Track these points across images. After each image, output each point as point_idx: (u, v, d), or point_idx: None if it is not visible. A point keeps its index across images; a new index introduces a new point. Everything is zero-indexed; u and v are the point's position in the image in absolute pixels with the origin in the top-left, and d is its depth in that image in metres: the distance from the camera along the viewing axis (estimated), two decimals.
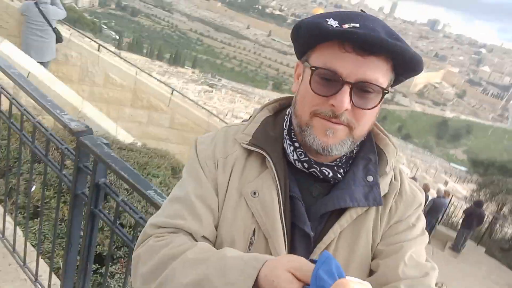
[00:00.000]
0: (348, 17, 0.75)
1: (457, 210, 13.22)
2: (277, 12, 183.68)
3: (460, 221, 10.93)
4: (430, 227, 9.75)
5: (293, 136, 0.87)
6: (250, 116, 0.95)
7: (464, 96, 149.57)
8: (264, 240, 0.81)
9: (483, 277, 9.38)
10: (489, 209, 12.59)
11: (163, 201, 1.44)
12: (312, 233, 0.81)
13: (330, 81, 0.75)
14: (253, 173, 0.85)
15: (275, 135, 0.87)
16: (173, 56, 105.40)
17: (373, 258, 0.83)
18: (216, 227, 0.85)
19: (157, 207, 1.43)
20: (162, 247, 0.76)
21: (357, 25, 0.72)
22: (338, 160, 0.85)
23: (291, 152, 0.86)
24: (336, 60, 0.74)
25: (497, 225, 13.16)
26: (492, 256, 10.73)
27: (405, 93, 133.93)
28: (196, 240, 0.80)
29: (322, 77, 0.76)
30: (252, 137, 0.87)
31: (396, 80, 0.81)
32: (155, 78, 9.28)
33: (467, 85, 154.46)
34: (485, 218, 10.80)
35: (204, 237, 0.82)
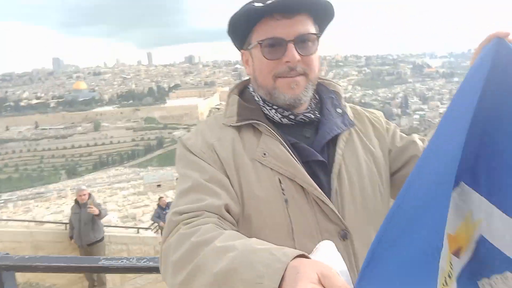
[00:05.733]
0: None
1: None
2: (35, 101, 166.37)
3: None
4: None
5: (268, 103, 1.03)
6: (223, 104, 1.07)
7: None
8: (291, 182, 0.94)
9: None
10: None
11: (122, 261, 1.34)
12: (325, 160, 0.98)
13: (276, 46, 0.95)
14: (252, 142, 0.98)
15: (254, 107, 1.03)
16: None
17: (394, 161, 1.09)
18: (236, 200, 0.92)
19: (114, 271, 1.32)
20: (191, 235, 0.77)
21: None
22: (309, 107, 1.05)
23: (274, 115, 1.02)
24: (273, 28, 0.95)
25: None
26: None
27: None
28: (221, 216, 0.86)
29: (269, 45, 0.96)
30: (237, 116, 1.02)
31: (321, 31, 1.03)
32: None
33: None
34: None
35: (228, 206, 0.88)
